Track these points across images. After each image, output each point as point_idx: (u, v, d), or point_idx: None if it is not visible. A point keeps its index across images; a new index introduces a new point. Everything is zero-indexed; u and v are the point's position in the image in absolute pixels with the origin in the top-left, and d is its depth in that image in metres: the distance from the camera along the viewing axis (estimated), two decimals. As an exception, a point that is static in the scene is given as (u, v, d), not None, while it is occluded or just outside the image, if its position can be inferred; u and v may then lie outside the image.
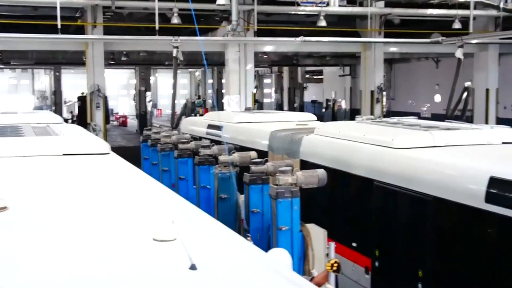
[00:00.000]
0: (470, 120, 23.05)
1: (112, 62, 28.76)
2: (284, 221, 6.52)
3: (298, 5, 21.52)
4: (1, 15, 21.34)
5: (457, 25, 21.79)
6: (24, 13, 21.84)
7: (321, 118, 26.07)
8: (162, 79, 61.94)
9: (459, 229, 6.62)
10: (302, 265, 6.81)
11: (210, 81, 52.90)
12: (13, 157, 5.93)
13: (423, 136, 7.85)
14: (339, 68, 35.16)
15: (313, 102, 43.71)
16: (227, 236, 3.43)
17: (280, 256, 5.92)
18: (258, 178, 7.28)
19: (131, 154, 12.97)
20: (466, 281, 6.42)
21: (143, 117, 39.38)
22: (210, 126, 13.70)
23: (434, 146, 7.67)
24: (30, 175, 5.36)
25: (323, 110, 39.23)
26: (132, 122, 47.02)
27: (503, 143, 7.91)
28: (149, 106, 42.05)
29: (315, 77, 42.87)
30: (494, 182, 6.02)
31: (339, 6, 22.46)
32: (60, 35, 18.58)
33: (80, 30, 21.43)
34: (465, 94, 18.75)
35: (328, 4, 21.70)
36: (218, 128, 13.07)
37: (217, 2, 19.36)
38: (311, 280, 6.11)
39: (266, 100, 50.22)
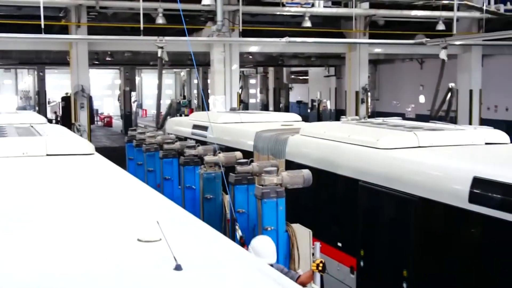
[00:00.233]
0: (454, 120, 23.23)
1: (97, 62, 28.58)
2: (269, 221, 6.53)
3: (283, 5, 21.54)
4: (-16, 14, 21.15)
5: (441, 26, 21.95)
6: (7, 12, 21.64)
7: (306, 118, 26.13)
8: (147, 79, 61.74)
9: (443, 229, 6.66)
10: (287, 265, 6.81)
11: (196, 81, 52.86)
12: (-5, 158, 5.87)
13: (407, 136, 7.90)
14: (324, 68, 35.27)
15: (299, 102, 43.81)
16: (212, 237, 3.43)
17: (264, 244, 5.92)
18: (244, 178, 7.27)
19: (116, 155, 12.91)
20: (450, 281, 6.47)
21: (128, 118, 39.20)
22: (195, 127, 13.67)
23: (418, 146, 7.71)
24: (13, 176, 5.31)
25: (309, 110, 39.32)
26: (117, 123, 46.80)
27: (486, 143, 7.99)
28: (134, 106, 41.88)
29: (300, 77, 42.94)
30: (477, 182, 6.07)
31: (324, 7, 22.53)
32: (43, 35, 18.44)
33: (64, 30, 21.28)
34: (449, 95, 18.90)
35: (313, 5, 21.75)
36: (204, 128, 13.05)
37: (202, 2, 19.32)
38: (296, 280, 6.12)
39: (251, 101, 50.25)
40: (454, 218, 6.45)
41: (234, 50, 21.88)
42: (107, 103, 61.35)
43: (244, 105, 41.17)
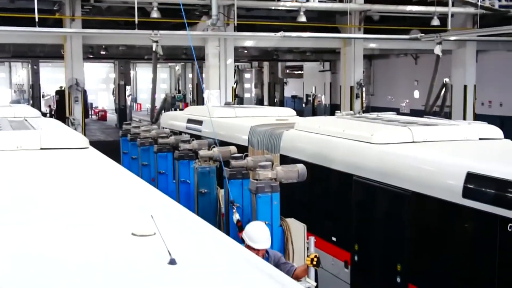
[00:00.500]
0: (448, 116, 23.28)
1: (91, 56, 28.49)
2: (264, 216, 6.53)
3: (278, 0, 21.50)
4: (-23, 7, 21.02)
5: (435, 22, 21.97)
6: (0, 5, 21.52)
7: (301, 113, 26.14)
8: (141, 73, 61.61)
9: (437, 224, 6.69)
10: (281, 260, 6.82)
11: (190, 75, 52.77)
12: (-11, 151, 5.86)
13: (402, 132, 7.92)
14: (319, 63, 35.25)
15: (293, 97, 43.80)
16: (206, 231, 3.43)
17: (258, 229, 5.93)
18: (238, 172, 7.27)
19: (110, 149, 12.88)
20: (444, 275, 6.50)
21: (122, 111, 39.13)
22: (190, 121, 13.66)
23: (412, 141, 7.73)
24: (7, 170, 5.29)
25: (303, 105, 39.34)
26: (112, 117, 46.71)
27: (480, 139, 8.01)
28: (128, 100, 41.80)
29: (295, 72, 42.93)
30: (471, 177, 6.10)
31: (319, 1, 22.50)
32: (37, 28, 18.35)
33: (58, 23, 21.18)
34: (443, 90, 18.93)
35: (308, 0, 21.72)
36: (198, 122, 13.04)
37: (197, -4, 19.27)
38: (292, 273, 6.14)
39: (246, 95, 50.22)
40: (447, 213, 6.48)
41: (229, 45, 21.84)
42: (102, 97, 61.21)
43: (239, 99, 41.15)
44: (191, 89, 52.87)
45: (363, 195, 7.81)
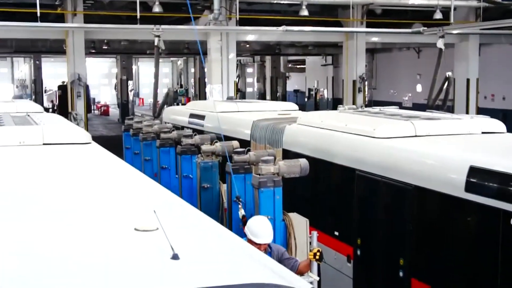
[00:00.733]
0: (451, 110, 23.25)
1: (93, 51, 28.49)
2: (266, 211, 6.54)
3: (280, -6, 21.46)
4: (-21, 2, 21.00)
5: (438, 15, 21.89)
6: (2, 0, 21.51)
7: (303, 107, 26.13)
8: (144, 68, 61.58)
9: (440, 218, 6.69)
10: (284, 254, 6.83)
11: (192, 70, 52.73)
12: (-8, 147, 5.86)
13: (404, 126, 7.90)
14: (322, 57, 35.20)
15: (296, 91, 43.78)
16: (209, 226, 3.43)
17: (260, 224, 5.91)
18: (241, 167, 7.28)
19: (113, 144, 12.90)
20: (446, 269, 6.50)
21: (125, 106, 39.17)
22: (192, 116, 13.66)
23: (415, 136, 7.72)
24: (10, 165, 5.30)
25: (306, 99, 39.31)
26: (114, 111, 46.75)
27: (483, 133, 8.00)
28: (131, 95, 41.82)
29: (297, 66, 42.90)
30: (473, 171, 6.09)
31: (321, -5, 22.44)
32: (39, 23, 18.34)
33: (60, 18, 21.16)
34: (446, 84, 18.89)
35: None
36: (201, 117, 13.04)
37: (200, -9, 19.24)
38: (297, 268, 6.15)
39: (248, 89, 50.20)
40: (450, 207, 6.47)
41: (231, 39, 21.82)
42: (104, 92, 61.25)
43: (241, 94, 41.14)
44: (193, 84, 52.85)
45: (366, 189, 7.81)
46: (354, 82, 24.44)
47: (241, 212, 6.96)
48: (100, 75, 61.32)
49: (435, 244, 6.69)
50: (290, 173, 6.75)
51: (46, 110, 21.58)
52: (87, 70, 22.88)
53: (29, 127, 6.72)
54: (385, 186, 7.33)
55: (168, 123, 13.64)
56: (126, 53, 36.10)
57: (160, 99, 22.66)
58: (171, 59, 60.60)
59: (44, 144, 6.14)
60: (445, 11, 22.04)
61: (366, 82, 25.62)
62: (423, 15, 23.73)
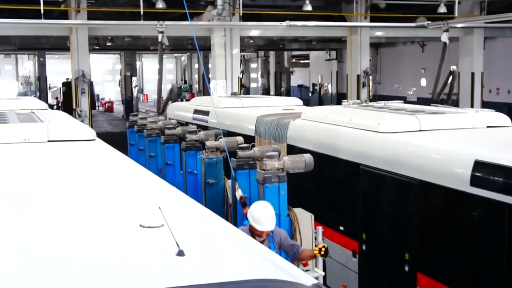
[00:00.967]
0: (455, 104, 23.18)
1: (97, 48, 28.49)
2: (271, 206, 6.53)
3: (284, -11, 21.41)
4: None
5: (442, 9, 21.81)
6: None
7: (307, 102, 26.11)
8: (147, 64, 61.58)
9: (445, 212, 6.68)
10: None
11: (196, 66, 52.72)
12: (-3, 144, 5.88)
13: (409, 120, 7.89)
14: (326, 52, 35.15)
15: (300, 86, 43.72)
16: (214, 222, 3.43)
17: (263, 211, 5.86)
18: (245, 163, 7.28)
19: (117, 140, 12.92)
20: (452, 263, 6.50)
21: (129, 103, 39.18)
22: (196, 112, 13.66)
23: (420, 130, 7.70)
24: (15, 163, 5.31)
25: (310, 94, 39.27)
26: (118, 108, 46.78)
27: (488, 126, 7.97)
28: (135, 91, 41.84)
29: (301, 61, 42.82)
30: (478, 165, 6.07)
31: (325, -10, 22.39)
32: (43, 20, 18.35)
33: (64, 15, 21.18)
34: (450, 78, 18.82)
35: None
36: (205, 113, 13.04)
37: (203, -14, 19.21)
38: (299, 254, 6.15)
39: (252, 85, 50.15)
40: (455, 201, 6.46)
41: (235, 34, 21.78)
42: (108, 88, 61.28)
43: (245, 89, 41.10)
44: (197, 80, 52.83)
45: (371, 184, 7.80)
46: (358, 76, 24.39)
47: (239, 192, 6.92)
48: (104, 71, 61.37)
49: (441, 239, 6.69)
50: (295, 168, 6.75)
51: (51, 107, 21.60)
52: (91, 67, 22.92)
53: (34, 124, 6.73)
54: (390, 181, 7.32)
55: (173, 119, 13.65)
56: (130, 49, 36.09)
57: (164, 95, 22.62)
58: (175, 55, 60.59)
59: (49, 141, 6.15)
60: (450, 4, 21.95)
61: (371, 77, 25.56)
62: (427, 9, 23.64)
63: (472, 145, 6.89)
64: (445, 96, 19.24)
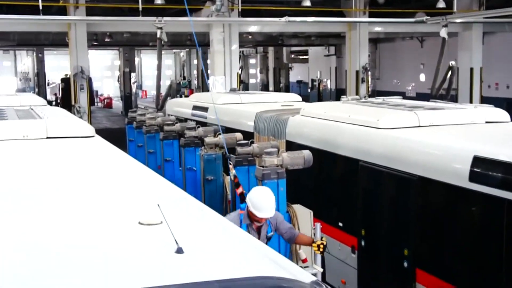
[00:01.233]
0: (454, 99, 23.17)
1: (96, 43, 28.47)
2: (270, 202, 6.53)
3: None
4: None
5: (441, 4, 21.79)
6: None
7: (307, 98, 26.09)
8: (146, 60, 61.54)
9: (444, 208, 6.68)
10: (289, 247, 6.85)
11: (195, 61, 52.67)
12: (-4, 141, 5.87)
13: (408, 116, 7.88)
14: (324, 48, 35.11)
15: (299, 82, 43.71)
16: (213, 219, 3.43)
17: (262, 197, 5.79)
18: (244, 159, 7.28)
19: (116, 136, 12.91)
20: (451, 259, 6.51)
21: (128, 99, 39.16)
22: (195, 108, 13.65)
23: (419, 126, 7.70)
24: (14, 159, 5.31)
25: (309, 90, 39.25)
26: (117, 104, 46.78)
27: (487, 122, 7.98)
28: (134, 87, 41.81)
29: (300, 57, 42.79)
30: (477, 161, 6.07)
31: (324, -15, 22.36)
32: (41, 16, 18.32)
33: (62, 11, 21.14)
34: (449, 73, 18.81)
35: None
36: (204, 109, 13.03)
37: (201, -18, 19.17)
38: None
39: (251, 81, 50.13)
40: (454, 197, 6.47)
41: (234, 30, 21.75)
42: (107, 84, 61.26)
43: (244, 85, 41.08)
44: (196, 76, 52.80)
45: (370, 180, 7.81)
46: (357, 72, 24.38)
47: (233, 173, 6.90)
48: (103, 67, 61.32)
49: (440, 235, 6.69)
50: (294, 164, 6.75)
51: (49, 103, 21.60)
52: (90, 63, 22.87)
53: (32, 121, 6.73)
54: (389, 177, 7.32)
55: (172, 115, 13.64)
56: (129, 45, 36.08)
57: (163, 91, 22.61)
58: (174, 51, 60.52)
59: (47, 137, 6.15)
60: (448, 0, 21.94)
61: (369, 72, 25.55)
62: (426, 4, 23.62)
63: (471, 140, 6.89)
64: (444, 91, 19.24)
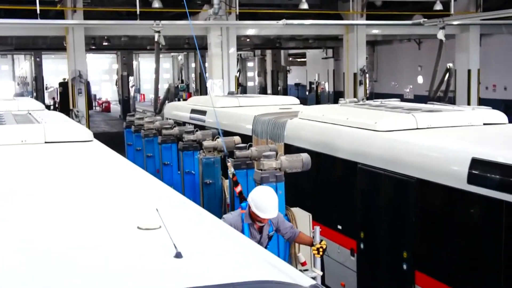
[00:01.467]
0: (452, 101, 23.22)
1: (93, 47, 28.47)
2: (269, 206, 6.53)
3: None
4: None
5: (438, 6, 21.84)
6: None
7: (305, 100, 26.12)
8: (144, 63, 61.52)
9: (443, 210, 6.69)
10: (288, 249, 6.85)
11: (193, 65, 52.69)
12: (-6, 146, 5.87)
13: (405, 118, 7.90)
14: (322, 50, 35.15)
15: (297, 85, 43.75)
16: (212, 223, 3.43)
17: (265, 197, 5.75)
18: (243, 163, 7.28)
19: (115, 140, 12.92)
20: (450, 261, 6.51)
21: (126, 102, 39.17)
22: (193, 111, 13.65)
23: (416, 128, 7.71)
24: (12, 164, 5.31)
25: (307, 92, 39.28)
26: (115, 108, 46.78)
27: (484, 124, 7.99)
28: (132, 91, 41.82)
29: (298, 60, 42.86)
30: (475, 163, 6.08)
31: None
32: (39, 20, 18.35)
33: (60, 15, 21.16)
34: (447, 75, 18.86)
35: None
36: (202, 113, 13.03)
37: (199, -14, 19.21)
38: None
39: (249, 84, 50.15)
40: (453, 199, 6.48)
41: (231, 33, 21.78)
42: (105, 88, 61.22)
43: (242, 88, 41.12)
44: (194, 79, 52.81)
45: (368, 182, 7.81)
46: (355, 75, 24.41)
47: (231, 170, 6.88)
48: (101, 71, 61.30)
49: (438, 237, 6.70)
50: (292, 168, 6.75)
51: (48, 107, 21.59)
52: (88, 67, 22.90)
53: (30, 126, 6.72)
54: (387, 179, 7.33)
55: (170, 119, 13.65)
56: (127, 49, 36.07)
57: (161, 94, 22.65)
58: (172, 54, 60.53)
59: (46, 142, 6.14)
60: (445, 2, 22.00)
61: (367, 75, 25.59)
62: (423, 6, 23.67)
63: (469, 142, 6.90)
64: (441, 93, 19.29)
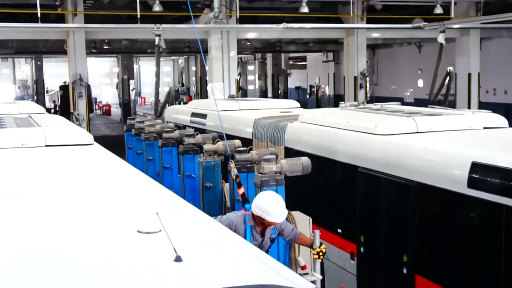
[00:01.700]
0: (452, 104, 23.22)
1: (94, 51, 28.52)
2: (269, 209, 6.53)
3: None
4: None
5: (438, 10, 21.85)
6: (2, 1, 21.54)
7: (305, 104, 26.14)
8: (145, 67, 61.62)
9: (443, 214, 6.69)
10: (287, 253, 6.85)
11: (194, 68, 52.72)
12: (-6, 150, 5.88)
13: (406, 122, 7.90)
14: (323, 54, 35.21)
15: (297, 88, 43.79)
16: (212, 227, 3.44)
17: (272, 202, 5.72)
18: (243, 166, 7.28)
19: (115, 143, 12.93)
20: (450, 265, 6.51)
21: (126, 106, 39.20)
22: (194, 115, 13.66)
23: (417, 132, 7.72)
24: (13, 168, 5.31)
25: (307, 96, 39.31)
26: (116, 111, 46.82)
27: (485, 128, 7.99)
28: (132, 94, 41.86)
29: (298, 63, 42.90)
30: (476, 167, 6.08)
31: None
32: (40, 24, 18.36)
33: (61, 18, 21.19)
34: (447, 79, 18.87)
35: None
36: (202, 116, 13.04)
37: (199, -11, 19.24)
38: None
39: (250, 87, 50.21)
40: (453, 203, 6.47)
41: (232, 37, 21.81)
42: (106, 92, 61.31)
43: (242, 91, 41.16)
44: (194, 82, 52.86)
45: (368, 186, 7.81)
46: (355, 78, 24.42)
47: (234, 172, 6.86)
48: (102, 74, 61.39)
49: (438, 241, 6.69)
50: (293, 171, 6.75)
51: (48, 110, 21.60)
52: (89, 70, 22.92)
53: (31, 129, 6.73)
54: (388, 183, 7.33)
55: (170, 122, 13.65)
56: (127, 52, 36.14)
57: (162, 98, 22.67)
58: (172, 57, 60.63)
59: (46, 145, 6.15)
60: (446, 5, 21.99)
61: (368, 78, 25.61)
62: (424, 10, 23.69)
63: (469, 146, 6.90)
64: (442, 97, 19.29)
